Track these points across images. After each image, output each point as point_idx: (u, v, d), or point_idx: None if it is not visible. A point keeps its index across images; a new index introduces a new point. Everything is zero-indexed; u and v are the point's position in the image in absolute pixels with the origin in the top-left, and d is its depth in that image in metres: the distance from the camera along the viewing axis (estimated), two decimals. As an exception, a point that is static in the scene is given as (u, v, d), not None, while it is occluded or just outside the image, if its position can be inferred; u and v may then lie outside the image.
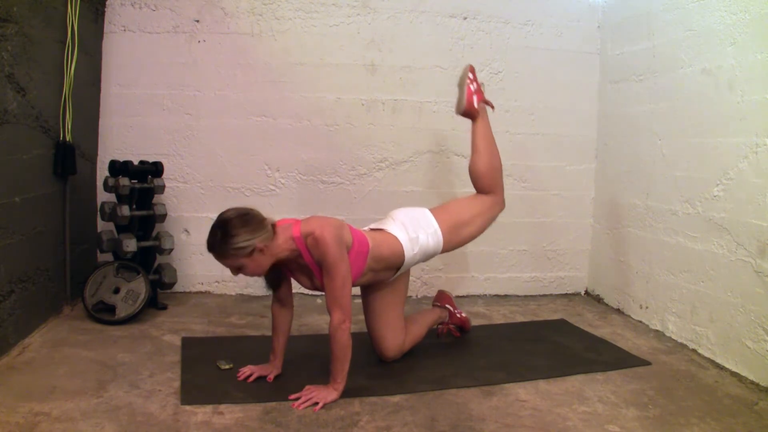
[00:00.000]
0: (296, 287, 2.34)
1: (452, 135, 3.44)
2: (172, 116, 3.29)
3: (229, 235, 2.02)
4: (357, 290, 2.48)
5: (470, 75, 2.68)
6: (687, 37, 2.84)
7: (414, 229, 2.39)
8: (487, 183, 2.60)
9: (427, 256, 2.47)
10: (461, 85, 2.70)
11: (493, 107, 2.73)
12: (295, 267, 2.23)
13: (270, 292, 2.32)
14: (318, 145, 3.40)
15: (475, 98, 2.66)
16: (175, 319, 2.93)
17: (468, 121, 2.77)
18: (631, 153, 3.29)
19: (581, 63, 3.59)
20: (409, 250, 2.36)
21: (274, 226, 2.12)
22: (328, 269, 2.08)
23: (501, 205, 2.64)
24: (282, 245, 2.11)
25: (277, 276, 2.27)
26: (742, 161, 2.52)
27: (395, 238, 2.35)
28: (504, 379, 2.36)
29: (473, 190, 2.69)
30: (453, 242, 2.50)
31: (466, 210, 2.56)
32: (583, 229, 3.70)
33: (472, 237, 2.59)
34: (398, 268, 2.39)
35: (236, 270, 2.08)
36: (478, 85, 2.70)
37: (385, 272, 2.37)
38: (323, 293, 2.20)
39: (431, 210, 2.50)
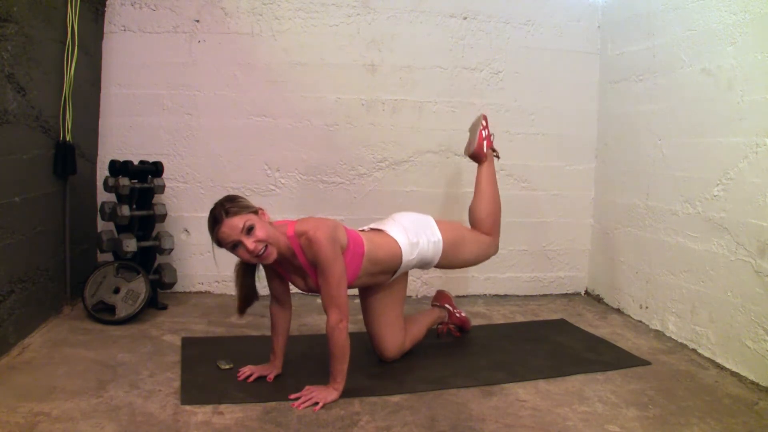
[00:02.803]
0: (295, 287, 2.34)
1: (452, 135, 3.44)
2: (172, 116, 3.29)
3: (231, 197, 2.11)
4: (355, 291, 2.49)
5: (483, 122, 2.80)
6: (687, 37, 2.84)
7: (416, 233, 2.39)
8: (486, 227, 2.67)
9: (423, 263, 2.47)
10: (473, 130, 2.80)
11: (499, 157, 2.83)
12: (290, 268, 2.22)
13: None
14: (318, 145, 3.40)
15: (485, 144, 2.77)
16: (175, 319, 2.93)
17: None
18: (631, 153, 3.29)
19: (581, 63, 3.59)
20: (408, 254, 2.36)
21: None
22: (323, 269, 2.08)
23: (495, 248, 2.71)
24: (280, 238, 2.11)
25: (245, 280, 2.25)
26: (742, 161, 2.52)
27: (394, 240, 2.35)
28: (504, 379, 2.36)
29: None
30: (449, 258, 2.51)
31: (467, 234, 2.63)
32: (583, 229, 3.70)
33: (465, 264, 2.70)
34: (395, 272, 2.39)
35: (247, 232, 2.02)
36: (489, 133, 2.79)
37: (381, 275, 2.36)
38: (317, 294, 2.19)
39: (435, 221, 2.51)
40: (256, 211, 2.10)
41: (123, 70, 3.24)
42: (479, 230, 2.67)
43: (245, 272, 2.22)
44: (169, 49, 3.25)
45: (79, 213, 3.04)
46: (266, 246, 2.05)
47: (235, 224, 2.02)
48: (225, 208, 2.05)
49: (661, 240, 3.01)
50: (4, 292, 2.35)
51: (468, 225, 2.74)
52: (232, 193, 3.27)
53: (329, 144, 3.41)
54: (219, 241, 2.07)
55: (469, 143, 2.80)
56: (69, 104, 2.80)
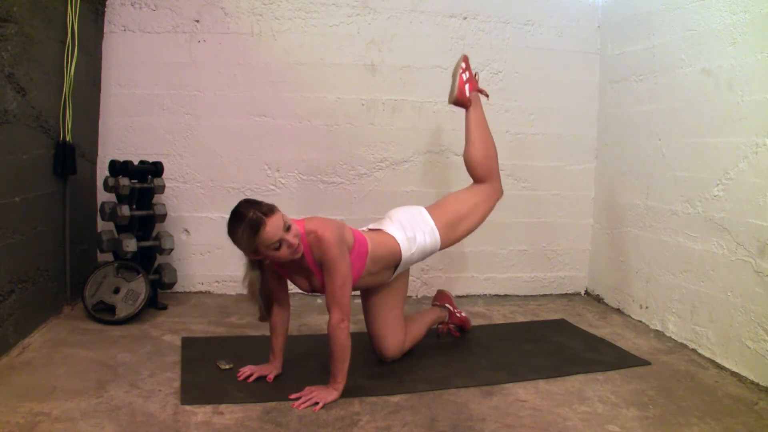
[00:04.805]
0: (295, 287, 2.34)
1: (452, 135, 3.44)
2: (172, 116, 3.29)
3: (250, 201, 2.05)
4: (357, 291, 2.49)
5: (463, 65, 2.69)
6: (687, 37, 2.84)
7: (411, 228, 2.40)
8: (482, 171, 2.60)
9: (425, 255, 2.47)
10: (454, 74, 2.70)
11: (487, 95, 2.74)
12: (294, 268, 2.22)
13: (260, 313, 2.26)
14: (318, 145, 3.40)
15: (467, 87, 2.66)
16: (175, 319, 2.93)
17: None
18: (631, 153, 3.29)
19: (581, 63, 3.59)
20: (407, 250, 2.36)
21: None
22: (329, 268, 2.08)
23: (499, 193, 2.64)
24: None
25: (267, 284, 2.22)
26: (742, 161, 2.52)
27: (393, 238, 2.35)
28: (504, 379, 2.37)
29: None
30: (451, 238, 2.50)
31: (463, 203, 2.57)
32: (583, 229, 3.70)
33: (472, 229, 2.59)
34: (395, 268, 2.39)
35: (287, 229, 2.00)
36: (471, 75, 2.70)
37: (383, 273, 2.37)
38: (321, 294, 2.19)
39: (427, 208, 2.50)
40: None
41: (123, 70, 3.25)
42: (477, 178, 2.61)
43: (262, 281, 2.16)
44: (169, 49, 3.25)
45: (79, 213, 3.04)
46: (299, 240, 2.05)
47: (277, 222, 1.99)
48: (261, 210, 1.99)
49: (661, 240, 3.01)
50: (4, 292, 2.35)
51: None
52: (232, 193, 3.31)
53: (329, 144, 3.41)
54: (260, 245, 1.99)
55: (451, 90, 2.69)
56: (69, 104, 2.80)
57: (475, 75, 2.72)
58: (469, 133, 2.64)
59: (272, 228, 1.98)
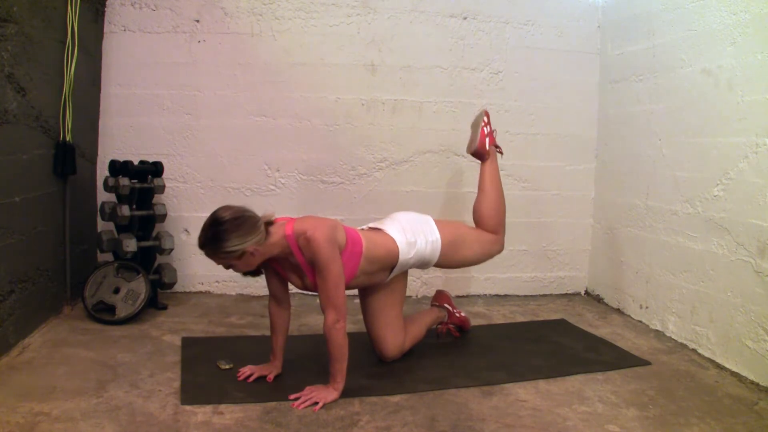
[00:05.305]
0: (294, 287, 2.34)
1: (452, 135, 3.44)
2: (172, 116, 3.29)
3: (220, 239, 2.01)
4: (355, 291, 2.49)
5: (485, 119, 2.77)
6: (687, 37, 2.85)
7: (413, 233, 2.39)
8: (491, 224, 2.65)
9: (421, 263, 2.46)
10: (475, 126, 2.78)
11: (502, 153, 2.82)
12: (287, 266, 2.23)
13: (249, 277, 2.31)
14: (318, 145, 3.40)
15: (487, 141, 2.74)
16: (175, 319, 2.93)
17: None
18: (631, 153, 3.29)
19: (581, 63, 3.59)
20: (405, 253, 2.36)
21: (270, 224, 2.12)
22: (321, 269, 2.08)
23: (500, 246, 2.68)
24: (275, 244, 2.12)
25: (258, 271, 2.26)
26: (742, 161, 2.52)
27: (392, 239, 2.35)
28: (504, 379, 2.37)
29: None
30: (448, 257, 2.50)
31: (468, 233, 2.62)
32: (583, 229, 3.70)
33: (466, 263, 2.67)
34: (392, 270, 2.39)
35: (226, 266, 2.12)
36: (491, 130, 2.78)
37: (379, 274, 2.36)
38: (315, 293, 2.20)
39: (435, 221, 2.51)
40: (241, 255, 2.03)
41: (123, 70, 3.25)
42: (484, 229, 2.65)
43: None
44: (169, 49, 3.25)
45: (79, 213, 3.04)
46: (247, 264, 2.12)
47: (215, 258, 2.08)
48: (207, 246, 2.05)
49: (661, 240, 3.01)
50: (4, 292, 2.35)
51: (472, 224, 2.72)
52: (232, 193, 3.31)
53: (329, 144, 3.41)
54: None
55: (471, 140, 2.77)
56: (69, 104, 2.80)
57: (494, 132, 2.80)
58: (483, 187, 2.70)
59: (214, 261, 2.08)
